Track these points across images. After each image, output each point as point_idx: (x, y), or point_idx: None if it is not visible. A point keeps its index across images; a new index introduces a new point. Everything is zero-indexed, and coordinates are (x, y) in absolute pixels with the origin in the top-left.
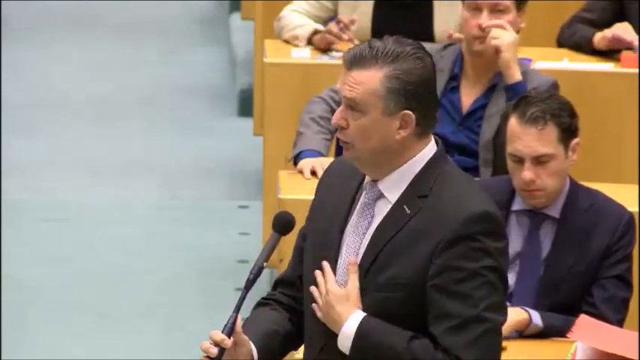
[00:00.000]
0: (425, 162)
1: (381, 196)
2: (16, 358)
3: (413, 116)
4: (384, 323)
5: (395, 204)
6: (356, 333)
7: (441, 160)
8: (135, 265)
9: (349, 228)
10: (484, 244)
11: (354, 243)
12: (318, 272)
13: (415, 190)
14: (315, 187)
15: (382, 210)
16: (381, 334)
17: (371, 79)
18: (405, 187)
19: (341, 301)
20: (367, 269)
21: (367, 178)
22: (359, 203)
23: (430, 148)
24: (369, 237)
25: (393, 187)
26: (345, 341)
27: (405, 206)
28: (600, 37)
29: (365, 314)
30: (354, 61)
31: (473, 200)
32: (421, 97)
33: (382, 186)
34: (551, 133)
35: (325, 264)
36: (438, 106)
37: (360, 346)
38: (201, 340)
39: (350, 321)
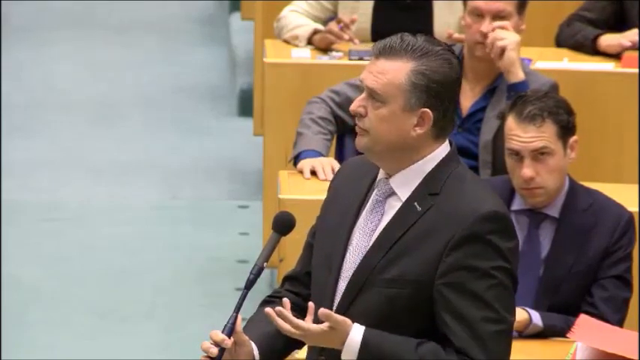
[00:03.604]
0: (437, 161)
1: (392, 193)
2: (16, 358)
3: (431, 115)
4: (386, 333)
5: (405, 202)
6: (361, 345)
7: (454, 160)
8: (135, 265)
9: (358, 226)
10: (495, 243)
11: (362, 241)
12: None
13: (426, 188)
14: (328, 185)
15: (392, 207)
16: (387, 343)
17: (397, 70)
18: (416, 185)
19: (333, 326)
20: (374, 266)
21: (379, 176)
22: (369, 201)
23: (444, 149)
24: (378, 234)
25: (405, 184)
26: (349, 354)
27: (415, 203)
28: (613, 43)
29: (365, 327)
30: (383, 51)
31: (484, 200)
32: (442, 98)
33: (394, 183)
34: (550, 130)
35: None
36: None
37: (366, 357)
38: (201, 340)
39: (352, 334)
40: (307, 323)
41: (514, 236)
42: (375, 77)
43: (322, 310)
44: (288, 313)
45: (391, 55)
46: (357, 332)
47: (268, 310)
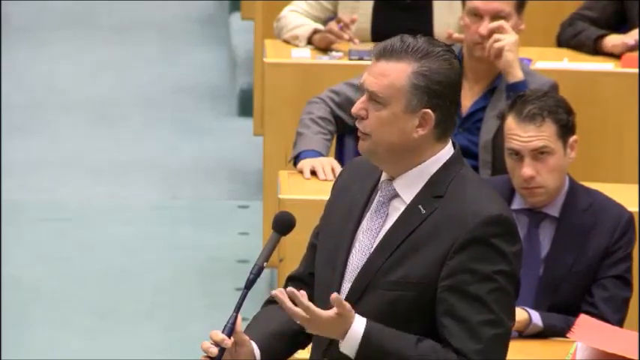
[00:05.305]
0: (442, 163)
1: (395, 195)
2: (16, 358)
3: (433, 116)
4: (387, 328)
5: (410, 204)
6: (363, 336)
7: (458, 162)
8: (135, 265)
9: (362, 228)
10: (498, 247)
11: (366, 242)
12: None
13: (430, 191)
14: (328, 185)
15: (396, 210)
16: (388, 337)
17: (398, 72)
18: (420, 187)
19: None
20: (378, 268)
21: (383, 177)
22: (374, 203)
23: (448, 151)
24: (382, 237)
25: (408, 186)
26: (349, 345)
27: (420, 206)
28: (617, 43)
29: (367, 319)
30: (384, 53)
31: (488, 203)
32: (444, 99)
33: (397, 185)
34: (550, 129)
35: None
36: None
37: (367, 349)
38: (201, 340)
39: (355, 325)
40: (316, 308)
41: (518, 240)
42: (375, 80)
43: (334, 295)
44: (300, 295)
45: (392, 57)
46: (359, 324)
47: (276, 292)
